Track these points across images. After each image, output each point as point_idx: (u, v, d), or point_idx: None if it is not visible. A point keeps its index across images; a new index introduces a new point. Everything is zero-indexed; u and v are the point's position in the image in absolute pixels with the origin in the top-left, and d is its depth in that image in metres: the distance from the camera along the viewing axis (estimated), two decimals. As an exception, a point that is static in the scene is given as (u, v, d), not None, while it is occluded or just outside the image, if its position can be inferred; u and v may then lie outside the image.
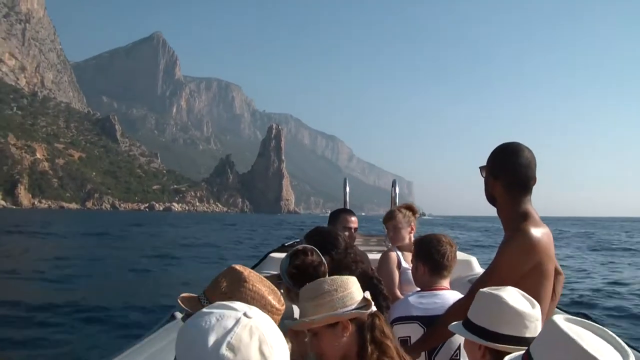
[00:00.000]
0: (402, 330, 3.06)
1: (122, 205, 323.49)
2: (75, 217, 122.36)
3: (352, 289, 2.31)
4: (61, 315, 12.77)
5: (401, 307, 3.18)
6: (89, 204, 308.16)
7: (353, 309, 2.26)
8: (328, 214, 4.97)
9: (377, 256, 4.82)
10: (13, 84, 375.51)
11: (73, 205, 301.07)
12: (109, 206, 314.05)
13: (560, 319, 1.63)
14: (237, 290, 1.90)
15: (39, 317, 12.51)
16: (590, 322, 1.64)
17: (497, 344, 2.11)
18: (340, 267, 2.98)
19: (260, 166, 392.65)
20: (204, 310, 1.37)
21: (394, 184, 7.29)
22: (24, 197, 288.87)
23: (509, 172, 2.91)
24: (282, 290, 2.73)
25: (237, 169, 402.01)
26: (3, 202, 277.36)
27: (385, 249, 5.80)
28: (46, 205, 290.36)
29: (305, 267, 2.91)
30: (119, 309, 13.57)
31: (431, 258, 3.21)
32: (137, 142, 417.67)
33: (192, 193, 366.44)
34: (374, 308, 2.32)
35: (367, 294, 2.33)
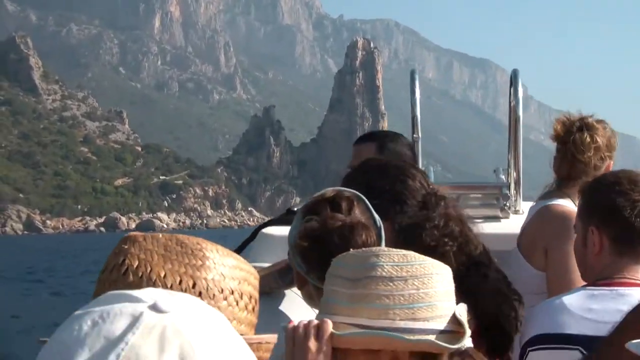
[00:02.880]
0: None
1: (49, 222, 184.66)
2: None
3: (436, 292, 1.21)
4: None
5: (547, 315, 1.90)
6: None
7: (422, 339, 1.19)
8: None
9: (489, 229, 2.44)
10: None
11: None
12: (21, 227, 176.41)
13: None
14: (113, 261, 1.03)
15: None
16: None
17: None
18: (417, 245, 1.55)
19: (334, 130, 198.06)
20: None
21: (514, 77, 3.55)
22: None
23: None
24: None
25: (288, 137, 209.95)
26: None
27: (501, 215, 3.25)
28: None
29: (328, 231, 1.56)
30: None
31: (617, 217, 1.80)
32: (80, 90, 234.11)
33: (197, 190, 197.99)
34: (466, 342, 1.25)
35: (462, 311, 1.25)
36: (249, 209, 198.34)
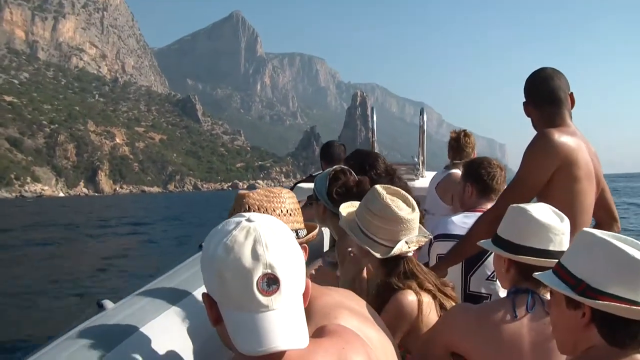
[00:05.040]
0: (442, 247, 3.04)
1: (204, 185, 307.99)
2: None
3: (399, 227, 2.26)
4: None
5: (444, 225, 3.15)
6: (170, 187, 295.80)
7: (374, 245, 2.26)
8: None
9: (410, 184, 4.86)
10: (95, 72, 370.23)
11: (155, 189, 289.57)
12: (191, 187, 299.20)
13: (592, 228, 1.54)
14: (238, 205, 1.87)
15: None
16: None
17: (518, 256, 2.07)
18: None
19: (347, 136, 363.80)
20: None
21: (421, 112, 6.83)
22: (105, 184, 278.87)
23: (533, 89, 2.82)
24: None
25: (322, 141, 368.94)
26: (85, 190, 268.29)
27: (415, 178, 6.07)
28: (127, 191, 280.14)
29: (349, 186, 2.76)
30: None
31: (480, 179, 3.18)
32: (219, 120, 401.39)
33: (277, 168, 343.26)
34: (406, 248, 2.26)
35: (413, 243, 2.30)
36: (303, 178, 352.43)
